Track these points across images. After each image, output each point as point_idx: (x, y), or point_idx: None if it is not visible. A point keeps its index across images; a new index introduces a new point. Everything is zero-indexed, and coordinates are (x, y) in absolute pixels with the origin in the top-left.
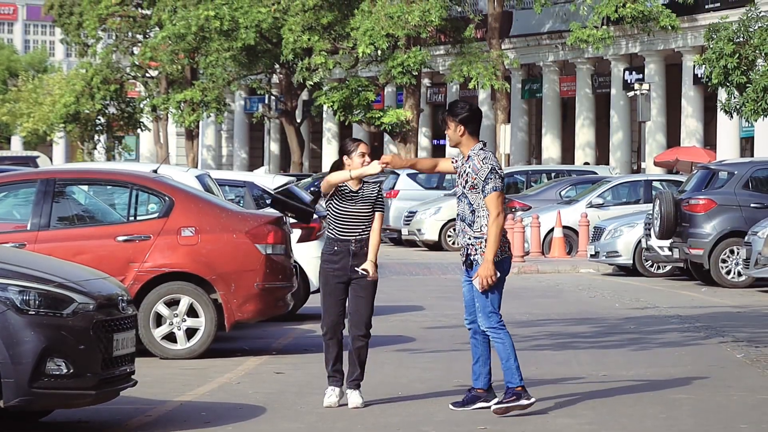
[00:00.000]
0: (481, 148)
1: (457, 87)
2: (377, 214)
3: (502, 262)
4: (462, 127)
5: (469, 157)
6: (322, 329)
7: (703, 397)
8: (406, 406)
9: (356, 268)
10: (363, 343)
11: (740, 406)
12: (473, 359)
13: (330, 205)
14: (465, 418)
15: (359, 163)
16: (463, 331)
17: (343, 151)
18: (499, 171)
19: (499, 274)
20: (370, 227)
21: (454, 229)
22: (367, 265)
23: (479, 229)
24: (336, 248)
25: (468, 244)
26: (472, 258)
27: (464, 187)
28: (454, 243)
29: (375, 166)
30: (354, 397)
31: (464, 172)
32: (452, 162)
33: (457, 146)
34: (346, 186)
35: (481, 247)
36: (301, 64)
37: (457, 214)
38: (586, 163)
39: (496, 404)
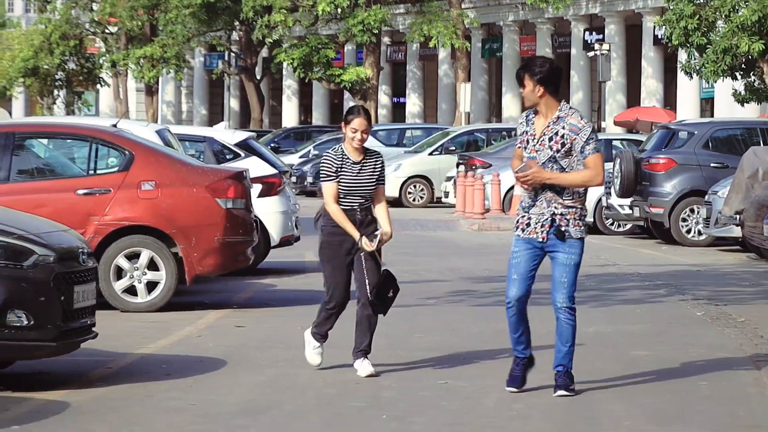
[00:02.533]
0: (570, 107)
1: (418, 46)
2: (379, 188)
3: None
4: (542, 88)
5: (558, 117)
6: (328, 303)
7: (663, 354)
8: (371, 359)
9: (374, 233)
10: (373, 312)
11: (699, 363)
12: (517, 331)
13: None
14: (425, 373)
15: (350, 138)
16: (426, 288)
17: (343, 117)
18: (596, 132)
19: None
20: (371, 198)
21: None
22: (386, 228)
23: (571, 197)
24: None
25: (558, 214)
26: (564, 229)
27: (555, 151)
28: (414, 200)
29: (367, 245)
30: (365, 366)
31: (554, 134)
32: (519, 126)
33: (533, 107)
34: (348, 158)
35: (574, 218)
36: (261, 22)
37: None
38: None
39: (568, 390)
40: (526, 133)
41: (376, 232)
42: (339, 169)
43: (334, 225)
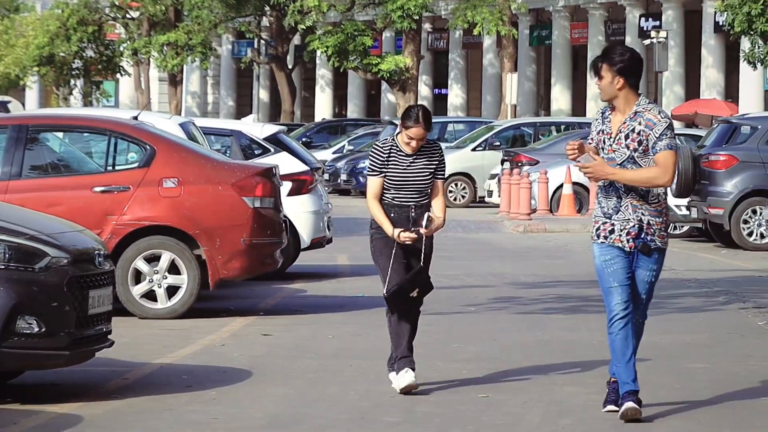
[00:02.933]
0: (649, 102)
1: (461, 33)
2: (438, 182)
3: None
4: (621, 79)
5: (636, 113)
6: (387, 290)
7: (721, 367)
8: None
9: (426, 215)
10: (417, 317)
11: (761, 377)
12: (626, 356)
13: (386, 174)
14: (463, 385)
15: (404, 142)
16: (466, 294)
17: (401, 117)
18: (673, 129)
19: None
20: (427, 193)
21: (456, 185)
22: (439, 213)
23: (657, 201)
24: (393, 215)
25: (645, 223)
26: (649, 241)
27: (632, 150)
28: (456, 199)
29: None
30: (403, 377)
31: (630, 131)
32: (594, 124)
33: (610, 101)
34: (400, 150)
35: (660, 229)
36: (293, 6)
37: (608, 185)
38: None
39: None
40: (603, 132)
41: (429, 214)
42: (387, 162)
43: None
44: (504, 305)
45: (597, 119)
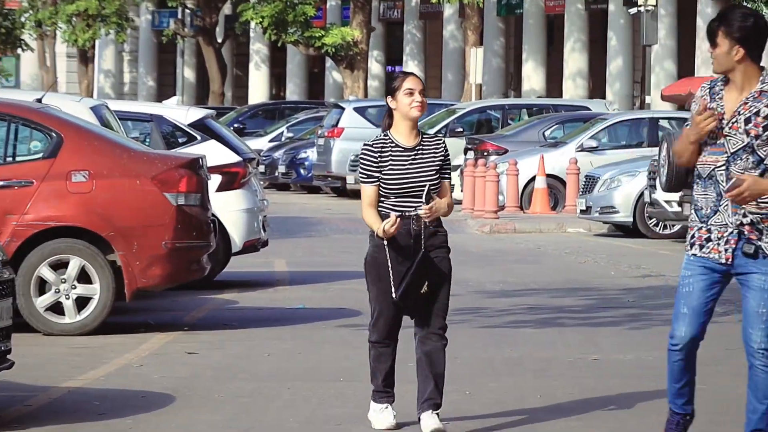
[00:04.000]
0: None
1: (418, 1)
2: (445, 184)
3: None
4: (742, 50)
5: (762, 92)
6: (373, 335)
7: (720, 387)
8: (349, 395)
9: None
10: (438, 344)
11: None
12: (680, 380)
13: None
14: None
15: (407, 104)
16: None
17: (387, 90)
18: None
19: None
20: (434, 198)
21: None
22: (443, 202)
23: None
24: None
25: (747, 224)
26: (755, 242)
27: (754, 137)
28: None
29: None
30: (431, 421)
31: (755, 113)
32: (698, 102)
33: (725, 74)
34: (398, 145)
35: None
36: None
37: (706, 176)
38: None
39: None
40: (713, 110)
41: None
42: (381, 162)
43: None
44: (467, 318)
45: (702, 95)
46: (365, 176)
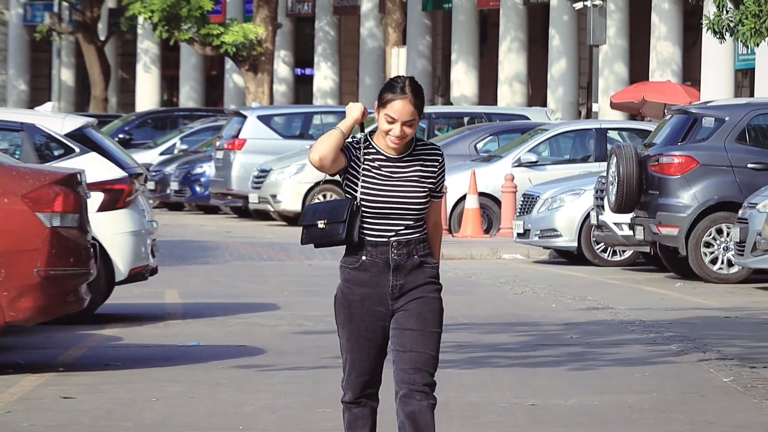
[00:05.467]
0: None
1: None
2: (434, 205)
3: None
4: None
5: None
6: (346, 394)
7: None
8: None
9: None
10: (425, 404)
11: None
12: None
13: (347, 185)
14: None
15: (383, 131)
16: (334, 340)
17: (381, 93)
18: None
19: None
20: (421, 222)
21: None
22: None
23: None
24: (364, 258)
25: None
26: None
27: None
28: None
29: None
30: None
31: None
32: None
33: None
34: (379, 152)
35: None
36: None
37: None
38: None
39: None
40: None
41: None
42: (356, 161)
43: (354, 266)
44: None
45: None
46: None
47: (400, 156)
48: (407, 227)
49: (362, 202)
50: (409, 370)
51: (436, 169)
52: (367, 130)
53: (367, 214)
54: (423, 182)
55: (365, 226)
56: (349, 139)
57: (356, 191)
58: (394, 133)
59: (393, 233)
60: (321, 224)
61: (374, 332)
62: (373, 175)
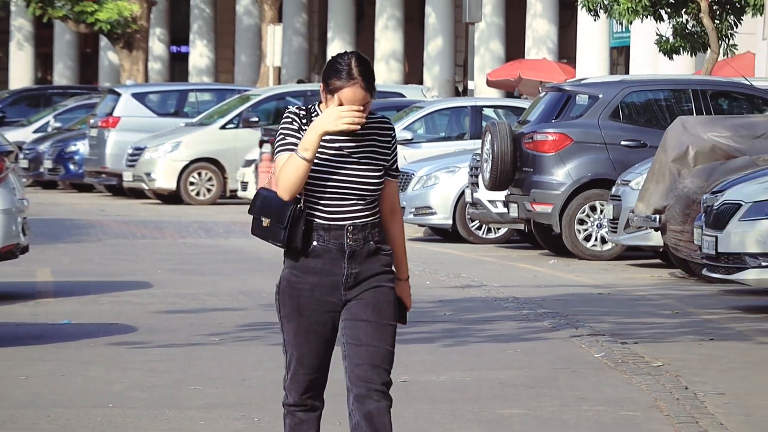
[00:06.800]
0: None
1: None
2: (389, 184)
3: None
4: None
5: None
6: (290, 395)
7: (545, 413)
8: (119, 424)
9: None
10: (383, 405)
11: (596, 426)
12: None
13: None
14: None
15: (333, 117)
16: (209, 319)
17: (322, 76)
18: None
19: None
20: (376, 204)
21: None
22: (402, 292)
23: None
24: (315, 243)
25: None
26: None
27: None
28: (198, 194)
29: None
30: None
31: None
32: None
33: None
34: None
35: None
36: None
37: None
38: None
39: None
40: None
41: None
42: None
43: (299, 255)
44: (258, 334)
45: None
46: (282, 145)
47: (351, 133)
48: (363, 209)
49: (312, 182)
50: (365, 366)
51: (390, 144)
52: (315, 103)
53: (318, 194)
54: (378, 158)
55: (317, 207)
56: (295, 109)
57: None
58: (350, 118)
59: (348, 216)
60: (265, 222)
61: (324, 325)
62: (324, 150)
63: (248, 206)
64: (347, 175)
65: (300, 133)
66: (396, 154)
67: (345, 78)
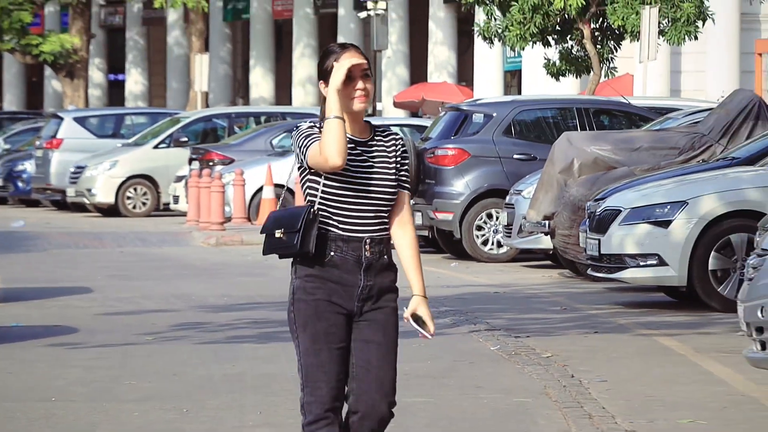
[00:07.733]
0: None
1: (140, 6)
2: (401, 195)
3: None
4: None
5: None
6: (310, 412)
7: (446, 400)
8: (60, 416)
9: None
10: (383, 427)
11: (492, 412)
12: None
13: (309, 179)
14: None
15: (346, 95)
16: (143, 320)
17: (318, 73)
18: None
19: None
20: (388, 216)
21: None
22: (422, 311)
23: None
24: (333, 254)
25: None
26: None
27: None
28: (135, 207)
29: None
30: None
31: None
32: None
33: None
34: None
35: None
36: None
37: None
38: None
39: None
40: None
41: (415, 325)
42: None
43: (314, 264)
44: (187, 333)
45: None
46: (310, 138)
47: (366, 140)
48: (380, 223)
49: (329, 192)
50: (373, 394)
51: (398, 154)
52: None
53: (336, 204)
54: (390, 168)
55: (336, 218)
56: (307, 126)
57: (319, 184)
58: (359, 87)
59: (367, 229)
60: (278, 234)
61: (340, 327)
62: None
63: (184, 218)
64: (366, 182)
65: (320, 133)
66: (407, 166)
67: (338, 51)
